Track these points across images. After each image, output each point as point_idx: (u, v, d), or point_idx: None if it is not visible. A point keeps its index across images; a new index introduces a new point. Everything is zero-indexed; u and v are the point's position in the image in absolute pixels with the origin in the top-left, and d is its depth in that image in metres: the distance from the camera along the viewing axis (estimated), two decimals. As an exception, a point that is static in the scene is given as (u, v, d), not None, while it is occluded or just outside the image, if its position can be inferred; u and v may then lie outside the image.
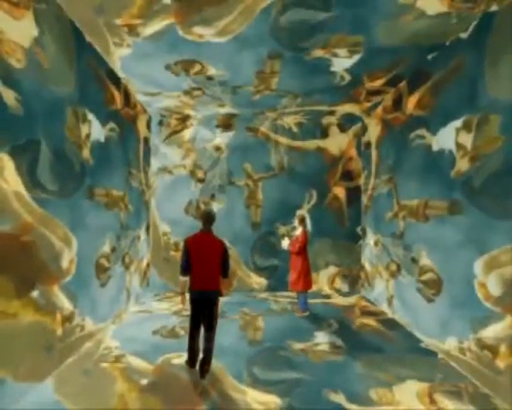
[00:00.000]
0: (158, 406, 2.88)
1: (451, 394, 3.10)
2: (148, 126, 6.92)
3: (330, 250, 6.98)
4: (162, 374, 3.44)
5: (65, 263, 3.55)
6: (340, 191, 7.02)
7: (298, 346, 4.20)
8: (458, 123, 3.62)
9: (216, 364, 3.64)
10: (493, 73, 3.16)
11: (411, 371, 3.52)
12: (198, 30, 3.72)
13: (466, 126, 3.48)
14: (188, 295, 3.42)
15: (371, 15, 3.44)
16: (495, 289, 3.05)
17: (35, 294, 3.02)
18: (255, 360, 3.81)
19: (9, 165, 2.67)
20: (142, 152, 6.52)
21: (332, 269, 7.00)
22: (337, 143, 7.03)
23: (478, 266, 3.29)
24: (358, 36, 3.84)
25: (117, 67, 4.75)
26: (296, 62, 4.54)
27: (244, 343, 4.28)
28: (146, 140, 6.77)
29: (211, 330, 3.44)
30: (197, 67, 4.69)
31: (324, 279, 7.00)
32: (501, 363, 2.98)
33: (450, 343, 3.74)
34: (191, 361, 3.49)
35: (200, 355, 3.50)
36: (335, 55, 4.32)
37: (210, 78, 5.03)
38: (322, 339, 4.43)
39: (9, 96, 2.67)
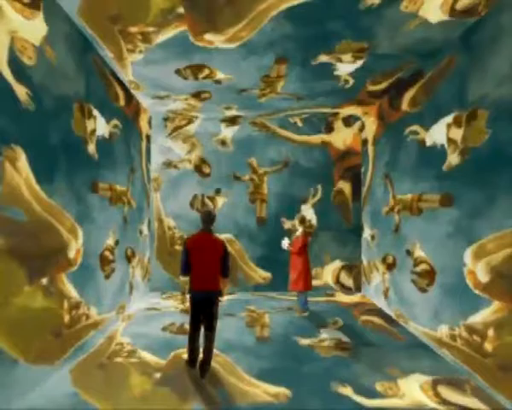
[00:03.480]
0: (173, 398, 3.00)
1: (454, 386, 3.23)
2: (150, 124, 7.06)
3: (335, 245, 7.02)
4: (174, 368, 3.55)
5: (72, 253, 3.69)
6: (345, 186, 7.07)
7: (305, 342, 4.32)
8: (449, 118, 3.78)
9: (226, 358, 3.78)
10: (481, 71, 3.32)
11: (415, 365, 3.66)
12: (208, 37, 3.87)
13: (456, 122, 3.64)
14: (188, 295, 3.48)
15: (376, 23, 3.56)
16: (483, 276, 3.20)
17: (44, 281, 3.17)
18: (264, 354, 3.94)
19: (22, 157, 2.81)
20: (145, 149, 6.67)
21: (337, 264, 7.05)
22: (342, 137, 7.07)
23: (467, 255, 3.44)
24: (363, 42, 3.97)
25: (128, 71, 4.89)
26: (301, 67, 4.67)
27: (252, 339, 4.41)
28: (148, 137, 6.92)
29: (211, 330, 3.46)
30: (206, 72, 4.84)
31: (329, 274, 7.05)
32: (489, 346, 3.13)
33: (442, 331, 3.89)
34: (191, 361, 3.52)
35: (201, 355, 3.55)
36: (340, 61, 4.45)
37: (218, 81, 5.18)
38: (327, 335, 4.55)
39: (22, 92, 2.81)
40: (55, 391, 3.07)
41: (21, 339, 2.84)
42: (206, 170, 7.14)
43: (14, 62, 2.74)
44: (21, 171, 2.82)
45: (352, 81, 5.14)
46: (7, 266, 2.66)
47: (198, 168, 7.15)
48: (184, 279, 3.48)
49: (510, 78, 2.95)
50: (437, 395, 3.09)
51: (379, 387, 3.21)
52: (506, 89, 2.99)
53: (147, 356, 3.85)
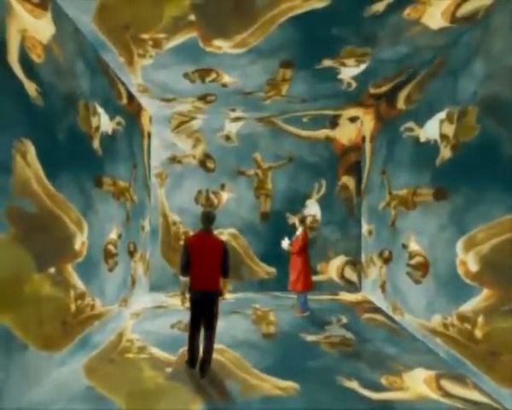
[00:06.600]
0: (185, 391, 3.11)
1: (457, 380, 3.35)
2: (151, 121, 7.17)
3: (340, 240, 7.07)
4: (185, 364, 3.62)
5: (77, 245, 3.82)
6: (349, 181, 7.10)
7: (310, 338, 4.43)
8: (442, 115, 3.91)
9: (234, 354, 3.90)
10: (471, 70, 3.46)
11: (418, 360, 3.78)
12: (217, 42, 4.00)
13: (448, 118, 3.78)
14: (188, 295, 3.51)
15: (379, 29, 3.67)
16: (473, 265, 3.33)
17: (52, 270, 3.29)
18: (271, 350, 4.05)
19: (31, 150, 2.94)
20: (146, 145, 6.80)
21: (341, 258, 7.08)
22: (347, 133, 7.11)
23: (459, 246, 3.57)
24: (367, 48, 4.09)
25: (138, 75, 5.02)
26: (306, 71, 4.79)
27: (258, 336, 4.52)
28: (149, 135, 7.05)
29: (211, 329, 3.47)
30: (213, 75, 4.97)
31: (334, 269, 7.08)
32: (479, 333, 3.26)
33: (435, 321, 4.02)
34: (191, 361, 3.52)
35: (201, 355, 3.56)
36: (343, 65, 4.57)
37: (224, 85, 5.31)
38: (332, 332, 4.66)
39: (31, 88, 2.94)
40: (71, 384, 3.20)
41: (31, 325, 2.97)
42: (211, 165, 7.17)
43: (24, 59, 2.86)
44: (31, 164, 2.95)
45: (354, 84, 5.27)
46: (18, 255, 2.79)
47: (202, 163, 7.18)
48: (184, 279, 3.50)
49: (498, 77, 3.08)
50: (440, 388, 3.20)
51: (384, 380, 3.32)
52: (493, 87, 3.12)
53: (157, 352, 3.94)
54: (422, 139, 4.38)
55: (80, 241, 3.88)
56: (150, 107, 6.55)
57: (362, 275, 6.95)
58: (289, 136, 7.14)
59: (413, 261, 4.63)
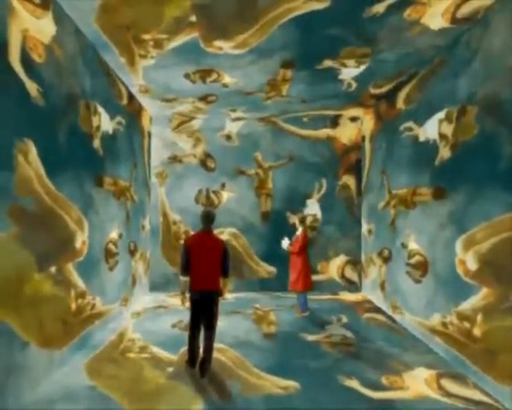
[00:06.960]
0: (187, 390, 3.12)
1: (457, 380, 3.35)
2: (151, 121, 7.18)
3: (340, 239, 7.05)
4: (185, 363, 3.62)
5: (78, 244, 3.83)
6: (350, 180, 7.10)
7: (311, 338, 4.44)
8: (441, 115, 3.93)
9: (234, 354, 3.91)
10: (470, 70, 3.47)
11: (419, 359, 3.79)
12: (218, 43, 4.01)
13: (448, 118, 3.79)
14: (188, 295, 3.51)
15: (380, 30, 3.68)
16: (472, 264, 3.35)
17: (53, 269, 3.31)
18: (271, 349, 4.07)
19: (32, 149, 2.95)
20: (147, 145, 6.82)
21: (342, 258, 7.07)
22: (347, 132, 7.10)
23: (458, 245, 3.58)
24: (367, 48, 4.10)
25: (139, 75, 5.03)
26: (307, 71, 4.81)
27: (259, 335, 4.53)
28: (150, 134, 7.06)
29: (211, 329, 3.47)
30: (214, 76, 4.99)
31: (334, 268, 7.06)
32: (478, 332, 3.27)
33: (435, 320, 4.03)
34: (191, 361, 3.51)
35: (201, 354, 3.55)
36: (344, 65, 4.58)
37: (225, 85, 5.32)
38: (332, 332, 4.66)
39: (32, 88, 2.96)
40: (72, 383, 3.21)
41: (32, 324, 2.98)
42: (211, 164, 7.17)
43: (26, 59, 2.88)
44: (32, 163, 2.96)
45: (355, 85, 5.29)
46: (19, 254, 2.80)
47: (203, 163, 7.18)
48: (184, 279, 3.50)
49: (497, 77, 3.09)
50: (440, 387, 3.21)
51: (384, 380, 3.32)
52: (493, 87, 3.13)
53: (158, 352, 3.95)
54: (422, 139, 4.39)
55: (81, 240, 3.90)
56: (151, 107, 6.56)
57: (362, 274, 6.96)
58: (290, 135, 7.14)
59: (412, 260, 4.64)
